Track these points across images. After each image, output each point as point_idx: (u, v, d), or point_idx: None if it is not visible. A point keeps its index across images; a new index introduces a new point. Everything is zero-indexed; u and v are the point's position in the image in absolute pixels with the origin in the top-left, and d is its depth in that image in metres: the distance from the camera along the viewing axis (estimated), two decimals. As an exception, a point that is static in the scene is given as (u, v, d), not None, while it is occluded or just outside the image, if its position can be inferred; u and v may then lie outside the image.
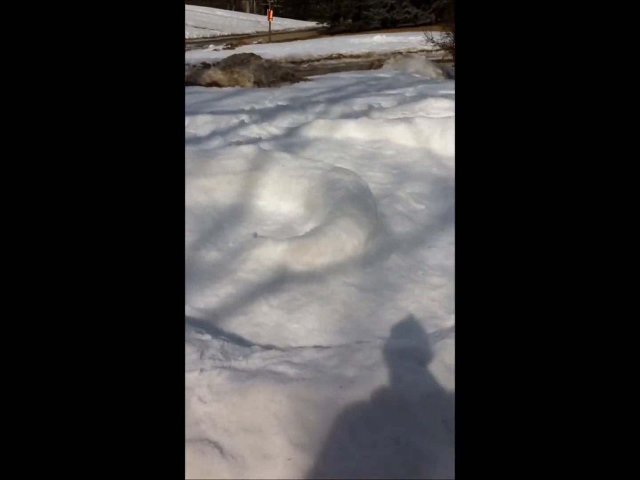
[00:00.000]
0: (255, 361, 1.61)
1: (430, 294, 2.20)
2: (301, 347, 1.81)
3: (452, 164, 3.71)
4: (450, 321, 2.00)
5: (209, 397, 1.46)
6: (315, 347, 1.82)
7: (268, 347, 1.79)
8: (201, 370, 1.55)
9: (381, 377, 1.50)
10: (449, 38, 8.46)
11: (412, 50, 13.75)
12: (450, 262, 2.44)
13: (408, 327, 1.97)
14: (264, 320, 2.00)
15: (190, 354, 1.61)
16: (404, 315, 2.05)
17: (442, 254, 2.52)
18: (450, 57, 8.98)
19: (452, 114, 4.56)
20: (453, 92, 5.74)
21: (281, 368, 1.56)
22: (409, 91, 6.04)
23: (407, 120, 4.28)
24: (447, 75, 9.13)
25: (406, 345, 1.68)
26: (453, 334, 1.73)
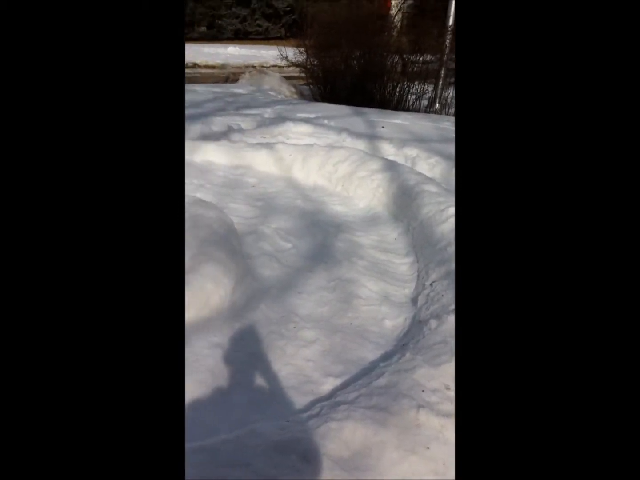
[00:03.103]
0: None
1: (304, 353, 2.00)
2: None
3: (315, 195, 3.59)
4: (327, 385, 1.83)
5: None
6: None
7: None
8: None
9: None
10: (302, 56, 8.58)
11: (265, 65, 13.69)
12: (321, 310, 2.29)
13: (282, 402, 1.74)
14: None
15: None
16: (276, 383, 1.82)
17: (312, 301, 2.35)
18: (303, 74, 9.12)
19: (312, 140, 4.48)
20: (310, 115, 5.71)
21: None
22: (268, 112, 5.82)
23: (268, 145, 4.07)
24: (301, 95, 9.17)
25: (283, 437, 1.44)
26: (335, 409, 1.56)
